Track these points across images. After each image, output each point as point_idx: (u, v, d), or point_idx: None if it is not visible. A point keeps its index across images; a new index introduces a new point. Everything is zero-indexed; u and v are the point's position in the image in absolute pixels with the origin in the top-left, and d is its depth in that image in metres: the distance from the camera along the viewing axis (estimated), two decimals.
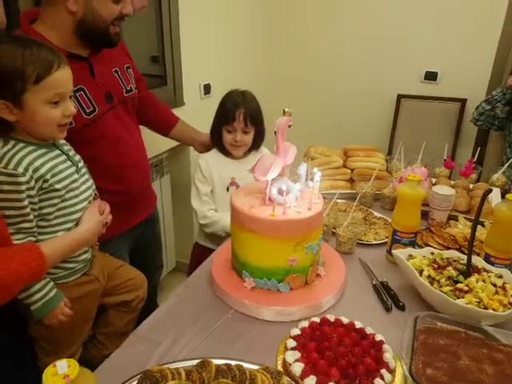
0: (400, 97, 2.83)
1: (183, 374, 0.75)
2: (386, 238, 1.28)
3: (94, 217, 1.05)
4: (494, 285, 0.96)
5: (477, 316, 0.89)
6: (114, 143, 1.25)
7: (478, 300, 0.92)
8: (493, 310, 0.90)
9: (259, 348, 0.90)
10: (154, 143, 1.66)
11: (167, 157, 2.03)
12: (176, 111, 1.70)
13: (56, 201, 0.97)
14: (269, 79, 3.07)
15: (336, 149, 1.87)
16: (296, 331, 0.90)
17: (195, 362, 0.80)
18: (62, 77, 0.91)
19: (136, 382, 0.75)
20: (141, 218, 1.43)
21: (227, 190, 1.53)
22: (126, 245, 1.40)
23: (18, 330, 1.09)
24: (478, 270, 1.02)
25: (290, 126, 1.02)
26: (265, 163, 1.00)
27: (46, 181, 0.93)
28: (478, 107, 2.31)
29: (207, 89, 2.28)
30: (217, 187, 1.53)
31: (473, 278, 0.97)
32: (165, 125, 1.59)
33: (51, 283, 1.00)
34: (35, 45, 0.88)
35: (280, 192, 1.01)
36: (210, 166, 1.52)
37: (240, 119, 1.45)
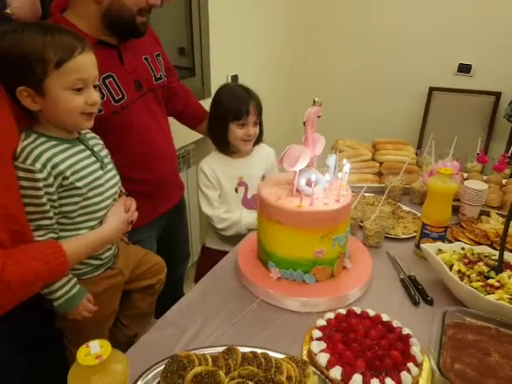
0: (432, 89, 2.76)
1: (210, 360, 0.77)
2: (415, 232, 1.26)
3: (119, 215, 1.02)
4: None
5: (508, 312, 0.87)
6: (142, 131, 1.25)
7: (509, 296, 0.90)
8: None
9: (285, 338, 0.91)
10: (182, 134, 1.67)
11: (194, 148, 2.05)
12: (203, 102, 1.70)
13: (77, 199, 0.94)
14: (297, 72, 3.06)
15: (365, 142, 1.85)
16: (322, 322, 0.90)
17: (221, 349, 0.81)
18: (85, 61, 0.88)
19: (164, 365, 0.77)
20: (169, 206, 1.44)
21: (236, 191, 1.48)
22: (154, 232, 1.42)
23: (47, 320, 1.08)
24: (510, 267, 0.99)
25: (319, 117, 1.01)
26: (293, 154, 1.00)
27: (65, 178, 0.90)
28: (510, 103, 2.22)
29: (235, 80, 2.28)
30: (225, 190, 1.47)
31: (505, 274, 0.95)
32: (193, 118, 1.59)
33: (74, 279, 0.98)
34: (57, 30, 0.86)
35: (308, 183, 1.01)
36: (215, 169, 1.46)
37: (253, 112, 1.42)
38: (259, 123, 1.47)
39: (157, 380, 0.77)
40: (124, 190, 1.12)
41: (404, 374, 0.76)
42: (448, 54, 2.67)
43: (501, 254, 0.98)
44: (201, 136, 1.90)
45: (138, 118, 1.23)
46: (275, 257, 1.05)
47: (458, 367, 0.77)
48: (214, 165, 1.48)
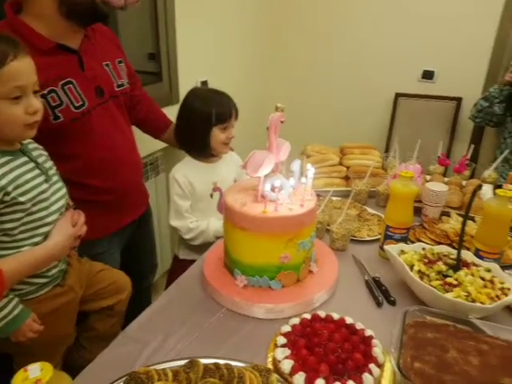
0: (398, 95, 2.84)
1: (170, 374, 0.75)
2: (380, 234, 1.29)
3: (63, 230, 0.96)
4: (483, 278, 0.97)
5: (465, 309, 0.90)
6: (104, 138, 1.22)
7: (466, 294, 0.93)
8: (480, 303, 0.91)
9: (250, 346, 0.90)
10: (149, 141, 1.65)
11: (162, 155, 2.03)
12: (171, 109, 1.69)
13: (20, 215, 0.87)
14: (265, 76, 3.09)
15: (334, 147, 1.88)
16: (286, 328, 0.90)
17: (183, 362, 0.79)
18: (20, 68, 0.82)
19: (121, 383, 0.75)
20: (133, 217, 1.40)
21: (211, 196, 1.49)
22: (117, 244, 1.38)
23: None
24: (467, 265, 1.03)
25: (282, 122, 1.02)
26: (257, 159, 1.00)
27: (7, 193, 0.84)
28: (475, 104, 2.32)
29: (204, 85, 2.28)
30: (200, 197, 1.47)
31: (462, 272, 0.98)
32: (157, 127, 1.56)
33: (15, 300, 0.91)
34: None
35: (273, 189, 1.02)
36: (189, 177, 1.45)
37: (234, 115, 1.44)
38: None
39: None
40: (72, 203, 1.06)
41: (365, 376, 0.77)
42: (412, 61, 2.75)
43: (458, 253, 1.02)
44: None
45: (99, 124, 1.20)
46: (241, 264, 1.05)
47: (417, 366, 0.79)
48: (187, 172, 1.47)
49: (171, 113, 1.62)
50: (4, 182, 0.84)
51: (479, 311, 0.90)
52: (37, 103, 0.87)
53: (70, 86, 1.12)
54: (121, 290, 1.20)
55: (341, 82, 2.99)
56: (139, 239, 1.51)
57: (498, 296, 0.93)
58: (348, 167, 1.76)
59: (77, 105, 1.14)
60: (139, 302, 1.31)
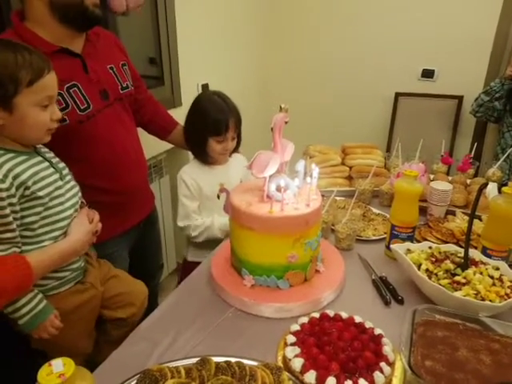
0: (398, 95, 2.84)
1: (183, 372, 0.76)
2: (385, 233, 1.29)
3: (82, 226, 1.01)
4: (492, 277, 0.97)
5: (474, 308, 0.90)
6: (109, 140, 1.23)
7: (475, 292, 0.92)
8: (490, 301, 0.91)
9: (260, 345, 0.90)
10: (153, 143, 1.66)
11: (166, 157, 2.03)
12: (173, 112, 1.70)
13: (39, 209, 0.93)
14: (266, 79, 3.09)
15: (335, 147, 1.88)
16: (296, 327, 0.90)
17: (195, 360, 0.80)
18: (51, 80, 0.93)
19: (135, 381, 0.75)
20: (139, 218, 1.42)
21: (218, 197, 1.50)
22: (125, 245, 1.39)
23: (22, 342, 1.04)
24: (475, 263, 1.02)
25: (286, 123, 1.02)
26: (262, 160, 1.00)
27: (27, 188, 0.90)
28: (477, 99, 2.32)
29: (205, 89, 2.28)
30: (207, 198, 1.49)
31: (470, 271, 0.98)
32: (162, 129, 1.57)
33: (39, 295, 0.96)
34: (26, 50, 0.90)
35: (278, 189, 1.02)
36: (197, 179, 1.47)
37: (232, 127, 1.42)
38: (238, 135, 1.49)
39: None
40: (85, 202, 1.10)
41: (377, 374, 0.77)
42: (412, 60, 2.76)
43: (466, 252, 1.02)
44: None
45: (104, 127, 1.21)
46: (248, 264, 1.05)
47: (428, 364, 0.78)
48: (194, 173, 1.49)
49: (175, 116, 1.63)
50: (24, 177, 0.90)
51: (489, 309, 0.90)
52: (58, 112, 0.97)
53: (75, 89, 1.14)
54: (134, 301, 1.21)
55: (341, 82, 2.99)
56: (146, 240, 1.52)
57: (507, 294, 0.93)
58: (350, 167, 1.76)
59: (82, 107, 1.15)
60: (148, 301, 1.31)
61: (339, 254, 1.20)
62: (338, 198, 1.54)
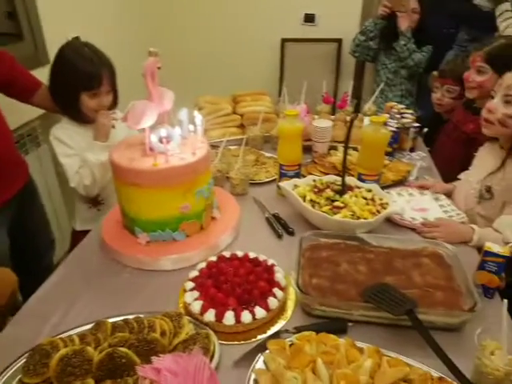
0: (284, 40, 2.89)
1: (76, 339, 0.74)
2: (276, 174, 1.34)
3: None
4: (365, 198, 1.08)
5: (352, 227, 1.00)
6: None
7: (351, 213, 1.03)
8: (364, 219, 1.01)
9: (161, 297, 0.91)
10: (21, 109, 1.47)
11: (40, 124, 1.82)
12: (41, 70, 1.51)
13: None
14: (147, 32, 2.88)
15: (226, 96, 1.86)
16: (194, 273, 0.92)
17: (91, 326, 0.78)
18: None
19: (24, 360, 0.71)
20: (11, 192, 1.27)
21: None
22: (1, 224, 1.25)
23: None
24: (351, 188, 1.13)
25: (159, 68, 0.97)
26: (137, 110, 0.95)
27: None
28: (354, 39, 2.45)
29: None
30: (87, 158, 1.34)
31: (347, 196, 1.08)
32: (23, 90, 1.38)
33: None
34: None
35: (161, 140, 0.98)
36: (72, 134, 1.35)
37: (106, 81, 1.31)
38: (114, 90, 1.37)
39: (18, 378, 0.70)
40: None
41: (270, 300, 0.83)
42: (294, 5, 2.80)
43: (343, 179, 1.11)
44: None
45: None
46: (140, 221, 1.02)
47: (315, 281, 0.87)
48: (68, 130, 1.35)
49: (42, 75, 1.44)
50: None
51: (363, 226, 1.01)
52: None
53: None
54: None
55: (227, 30, 2.93)
56: (27, 216, 1.38)
57: (378, 211, 1.04)
58: (242, 115, 1.77)
59: None
60: (41, 282, 1.21)
61: (234, 200, 1.23)
62: (232, 148, 1.55)
